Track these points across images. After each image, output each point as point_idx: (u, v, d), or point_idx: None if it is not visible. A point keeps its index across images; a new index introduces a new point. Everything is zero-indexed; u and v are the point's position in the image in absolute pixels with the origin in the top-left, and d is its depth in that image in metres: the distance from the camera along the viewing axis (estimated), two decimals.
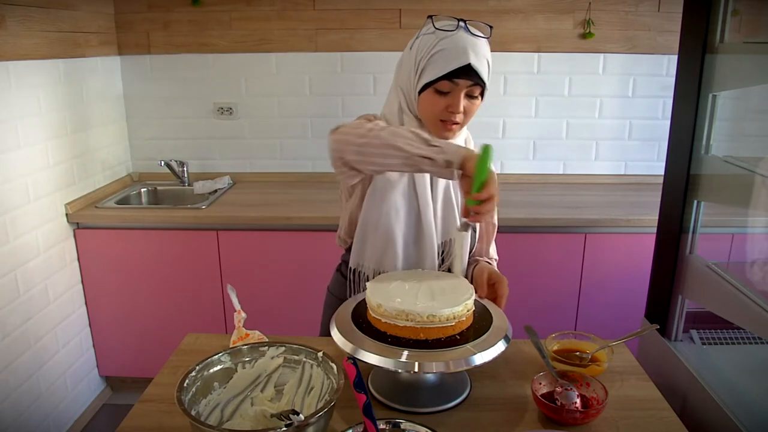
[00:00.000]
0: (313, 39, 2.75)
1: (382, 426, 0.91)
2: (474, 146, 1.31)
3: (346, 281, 1.36)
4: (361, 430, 0.89)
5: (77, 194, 2.46)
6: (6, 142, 2.03)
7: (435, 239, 1.28)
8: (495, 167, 2.93)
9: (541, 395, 1.08)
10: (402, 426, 0.93)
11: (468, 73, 1.14)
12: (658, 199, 1.62)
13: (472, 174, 1.00)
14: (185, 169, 2.83)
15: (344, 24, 2.73)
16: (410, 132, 1.07)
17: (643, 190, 2.75)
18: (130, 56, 2.79)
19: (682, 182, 1.48)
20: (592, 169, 2.91)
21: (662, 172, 1.60)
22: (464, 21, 1.17)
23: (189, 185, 2.83)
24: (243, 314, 1.21)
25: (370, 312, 1.07)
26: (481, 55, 1.15)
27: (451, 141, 1.16)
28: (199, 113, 2.86)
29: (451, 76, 1.14)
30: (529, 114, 2.83)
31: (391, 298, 1.04)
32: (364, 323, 1.08)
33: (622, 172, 2.91)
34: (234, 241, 2.41)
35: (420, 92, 1.20)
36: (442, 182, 1.28)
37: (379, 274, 1.27)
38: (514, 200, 2.59)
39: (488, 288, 1.24)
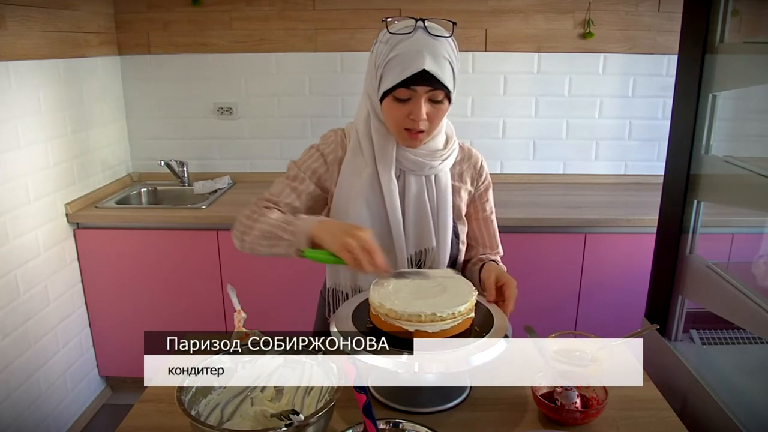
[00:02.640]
0: (313, 39, 2.75)
1: (382, 426, 0.91)
2: (455, 142, 1.26)
3: (325, 302, 1.33)
4: (361, 430, 0.89)
5: (77, 194, 2.46)
6: (6, 142, 2.03)
7: (405, 250, 1.23)
8: (495, 168, 2.86)
9: (541, 395, 1.08)
10: (402, 426, 0.93)
11: (425, 78, 1.07)
12: (658, 199, 1.62)
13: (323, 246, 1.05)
14: (185, 169, 2.83)
15: (344, 24, 2.72)
16: (276, 220, 1.13)
17: (643, 190, 2.75)
18: (130, 56, 2.79)
19: (682, 182, 1.48)
20: (592, 169, 2.91)
21: (662, 172, 1.60)
22: (423, 20, 1.09)
23: (189, 185, 2.83)
24: (243, 314, 1.21)
25: (372, 311, 1.07)
26: (440, 56, 1.08)
27: (302, 219, 1.13)
28: (199, 113, 2.85)
29: (407, 83, 1.08)
30: (529, 114, 2.83)
31: (391, 297, 1.04)
32: (365, 322, 1.08)
33: (622, 172, 2.90)
34: None
35: (381, 100, 1.14)
36: (413, 189, 1.22)
37: (359, 292, 1.24)
38: (514, 200, 2.59)
39: (496, 291, 1.19)
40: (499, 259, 1.40)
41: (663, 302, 1.55)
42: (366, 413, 0.85)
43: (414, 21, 1.09)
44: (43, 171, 2.23)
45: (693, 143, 1.45)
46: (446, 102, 1.13)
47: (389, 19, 1.12)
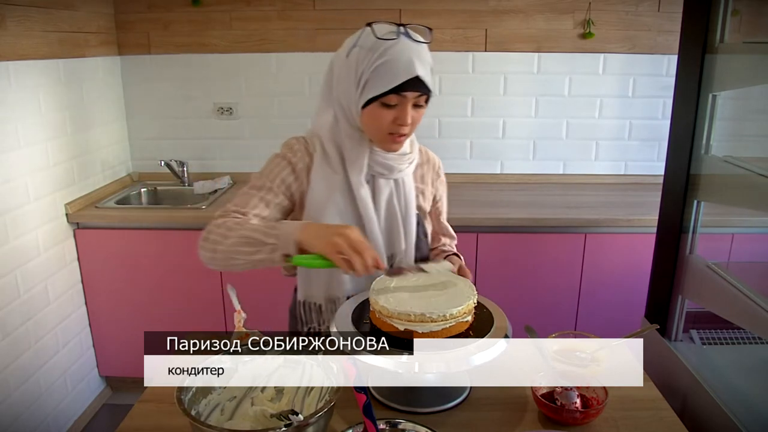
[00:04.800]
0: (313, 39, 2.75)
1: (382, 426, 0.91)
2: (417, 148, 1.28)
3: (297, 320, 1.31)
4: (361, 430, 0.89)
5: (77, 194, 2.46)
6: (6, 142, 2.03)
7: (384, 255, 1.22)
8: (495, 168, 2.85)
9: (541, 395, 1.08)
10: (402, 426, 0.93)
11: (415, 84, 1.09)
12: (658, 199, 1.62)
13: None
14: (185, 169, 2.83)
15: (344, 24, 2.72)
16: (257, 225, 1.11)
17: (643, 190, 2.75)
18: (130, 56, 2.79)
19: (682, 182, 1.48)
20: (592, 169, 2.91)
21: (662, 172, 1.60)
22: (404, 26, 1.10)
23: (189, 185, 2.83)
24: (243, 314, 1.21)
25: (372, 311, 1.07)
26: (426, 62, 1.10)
27: (285, 223, 1.10)
28: (199, 113, 2.85)
29: (398, 89, 1.08)
30: (529, 114, 2.83)
31: (388, 294, 1.04)
32: (365, 322, 1.08)
33: (622, 172, 2.90)
34: None
35: (363, 106, 1.13)
36: (384, 194, 1.22)
37: (333, 303, 1.24)
38: (514, 200, 2.59)
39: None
40: (455, 247, 1.44)
41: (663, 302, 1.55)
42: (366, 413, 0.85)
43: (396, 26, 1.10)
44: (43, 171, 2.23)
45: (693, 143, 1.45)
46: (425, 106, 1.15)
47: (374, 23, 1.12)
